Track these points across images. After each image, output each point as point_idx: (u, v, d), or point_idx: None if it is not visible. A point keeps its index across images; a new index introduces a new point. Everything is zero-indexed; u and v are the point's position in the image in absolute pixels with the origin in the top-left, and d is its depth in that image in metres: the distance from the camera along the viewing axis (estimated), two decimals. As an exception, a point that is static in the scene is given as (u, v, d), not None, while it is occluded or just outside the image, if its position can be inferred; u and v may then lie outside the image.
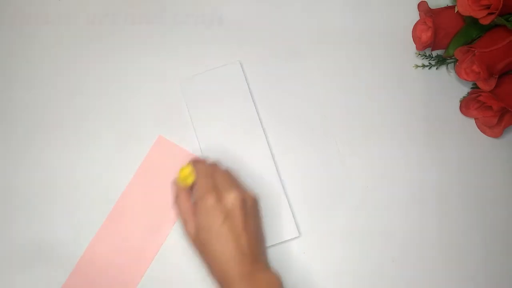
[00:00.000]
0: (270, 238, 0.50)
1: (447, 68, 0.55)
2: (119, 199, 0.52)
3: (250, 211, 0.44)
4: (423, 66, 0.55)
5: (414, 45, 0.55)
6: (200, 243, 0.43)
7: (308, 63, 0.56)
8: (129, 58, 0.56)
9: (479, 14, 0.47)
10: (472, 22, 0.50)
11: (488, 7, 0.46)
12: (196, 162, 0.47)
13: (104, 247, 0.51)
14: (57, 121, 0.55)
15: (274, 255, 0.50)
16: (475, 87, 0.53)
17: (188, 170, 0.46)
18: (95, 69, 0.56)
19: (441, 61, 0.54)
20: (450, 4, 0.55)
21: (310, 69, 0.55)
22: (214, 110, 0.54)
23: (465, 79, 0.50)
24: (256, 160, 0.52)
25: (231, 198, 0.43)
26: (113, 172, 0.53)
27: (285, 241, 0.51)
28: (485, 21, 0.47)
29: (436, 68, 0.55)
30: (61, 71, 0.56)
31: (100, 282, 0.50)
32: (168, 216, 0.51)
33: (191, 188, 0.46)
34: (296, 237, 0.50)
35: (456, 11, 0.49)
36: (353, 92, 0.55)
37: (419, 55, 0.56)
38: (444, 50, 0.53)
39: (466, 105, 0.53)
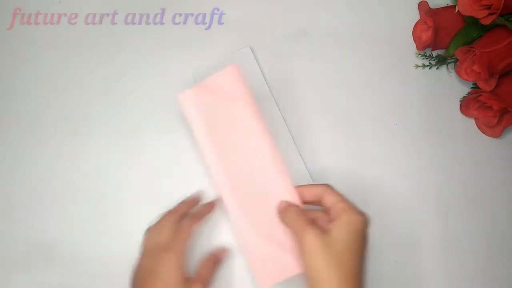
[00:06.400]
0: None
1: (447, 68, 0.55)
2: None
3: None
4: (423, 66, 0.55)
5: (414, 45, 0.55)
6: (329, 257, 0.39)
7: (309, 62, 0.56)
8: (129, 57, 0.56)
9: (479, 14, 0.47)
10: (472, 22, 0.50)
11: (489, 7, 0.46)
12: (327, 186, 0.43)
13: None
14: (57, 122, 0.55)
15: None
16: (475, 87, 0.53)
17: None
18: (96, 69, 0.56)
19: (441, 61, 0.54)
20: (450, 4, 0.55)
21: (311, 66, 0.56)
22: None
23: (466, 79, 0.51)
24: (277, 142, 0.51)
25: (368, 226, 0.42)
26: (112, 172, 0.53)
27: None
28: (486, 21, 0.47)
29: (437, 68, 0.55)
30: (61, 71, 0.56)
31: None
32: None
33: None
34: None
35: (456, 11, 0.48)
36: (353, 91, 0.55)
37: (419, 55, 0.55)
38: (444, 50, 0.53)
39: (466, 105, 0.53)
